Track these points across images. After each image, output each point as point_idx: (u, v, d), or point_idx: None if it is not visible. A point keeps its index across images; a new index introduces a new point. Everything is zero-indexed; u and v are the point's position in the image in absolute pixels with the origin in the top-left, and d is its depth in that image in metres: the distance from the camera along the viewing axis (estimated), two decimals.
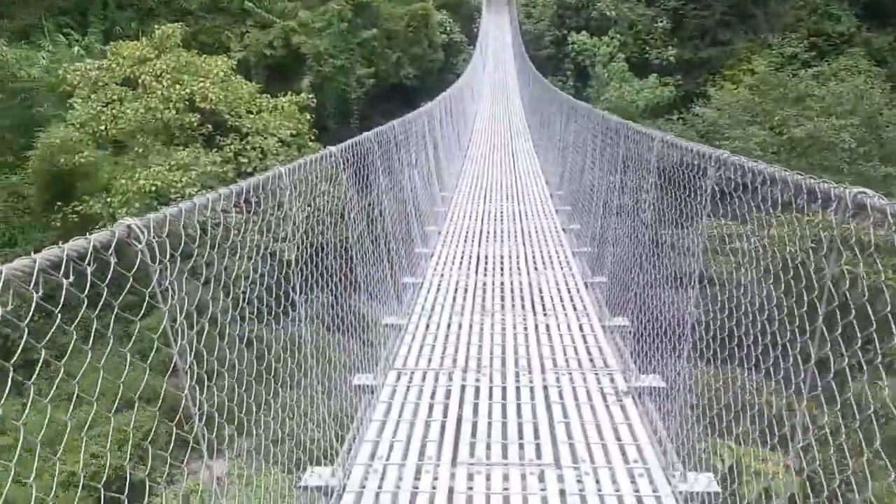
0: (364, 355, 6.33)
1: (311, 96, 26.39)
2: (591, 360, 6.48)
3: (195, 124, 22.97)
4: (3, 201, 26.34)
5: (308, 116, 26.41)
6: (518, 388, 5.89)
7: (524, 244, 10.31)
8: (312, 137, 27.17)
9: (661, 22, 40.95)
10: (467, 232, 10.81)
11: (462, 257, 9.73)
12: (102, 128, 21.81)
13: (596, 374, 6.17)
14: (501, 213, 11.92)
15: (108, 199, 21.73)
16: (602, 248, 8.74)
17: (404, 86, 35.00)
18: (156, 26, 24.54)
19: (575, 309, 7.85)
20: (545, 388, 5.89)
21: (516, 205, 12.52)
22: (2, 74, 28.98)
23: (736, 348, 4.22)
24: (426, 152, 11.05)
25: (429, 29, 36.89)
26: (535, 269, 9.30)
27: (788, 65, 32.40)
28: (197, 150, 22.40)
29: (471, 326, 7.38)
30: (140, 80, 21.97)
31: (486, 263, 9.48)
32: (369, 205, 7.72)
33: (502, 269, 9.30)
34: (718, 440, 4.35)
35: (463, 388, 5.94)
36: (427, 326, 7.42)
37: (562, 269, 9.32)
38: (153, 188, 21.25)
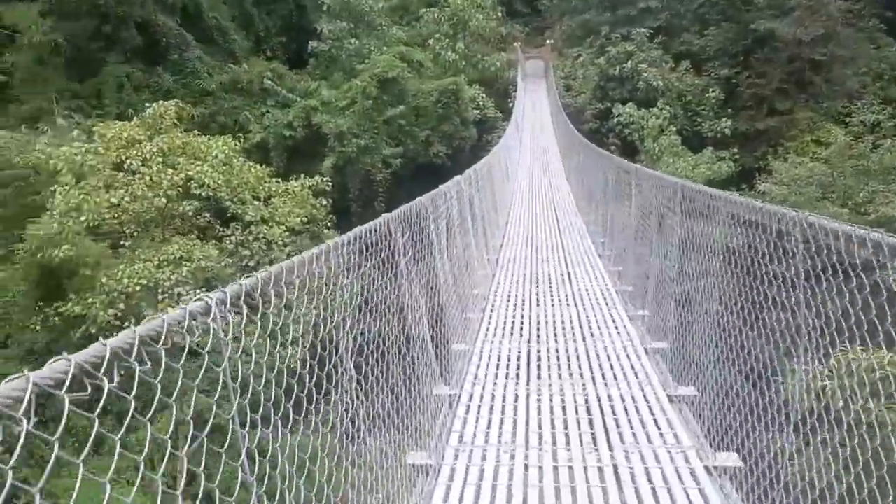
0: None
1: (326, 179, 23.51)
2: None
3: (190, 213, 20.16)
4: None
5: (324, 201, 23.54)
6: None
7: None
8: (329, 224, 24.28)
9: (713, 92, 37.86)
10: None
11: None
12: (83, 219, 19.03)
13: None
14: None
15: (91, 300, 18.90)
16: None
17: (434, 165, 32.07)
18: (146, 104, 22.07)
19: None
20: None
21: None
22: None
23: None
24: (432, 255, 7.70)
25: (460, 105, 34.21)
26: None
27: (870, 134, 28.89)
28: (191, 243, 19.49)
29: None
30: (126, 165, 19.26)
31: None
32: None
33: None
34: None
35: None
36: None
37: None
38: (138, 287, 18.41)
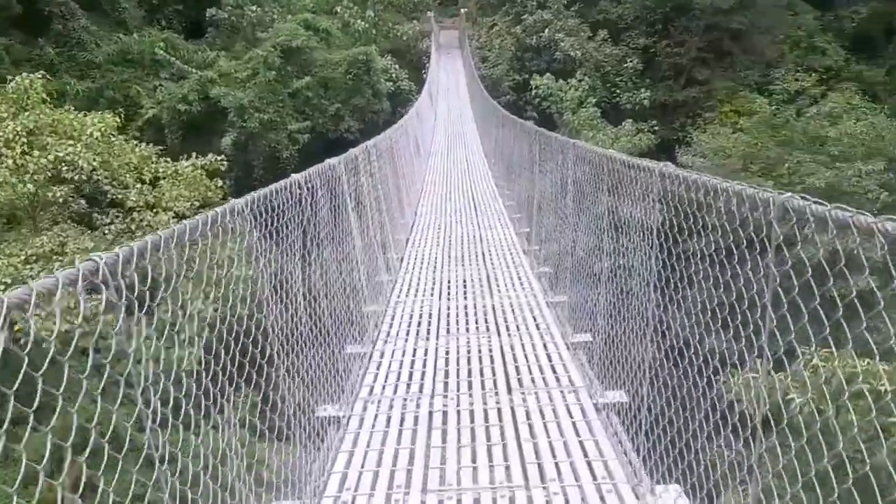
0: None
1: (222, 157, 21.36)
2: None
3: (61, 200, 17.89)
4: None
5: (220, 182, 21.38)
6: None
7: None
8: None
9: (632, 62, 36.99)
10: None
11: None
12: None
13: None
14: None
15: None
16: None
17: (346, 140, 30.07)
18: (9, 77, 19.51)
19: None
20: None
21: None
22: None
23: None
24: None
25: (371, 76, 32.25)
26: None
27: (789, 103, 28.34)
28: (63, 234, 17.25)
29: None
30: None
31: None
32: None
33: None
34: None
35: None
36: None
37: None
38: (2, 286, 16.13)
